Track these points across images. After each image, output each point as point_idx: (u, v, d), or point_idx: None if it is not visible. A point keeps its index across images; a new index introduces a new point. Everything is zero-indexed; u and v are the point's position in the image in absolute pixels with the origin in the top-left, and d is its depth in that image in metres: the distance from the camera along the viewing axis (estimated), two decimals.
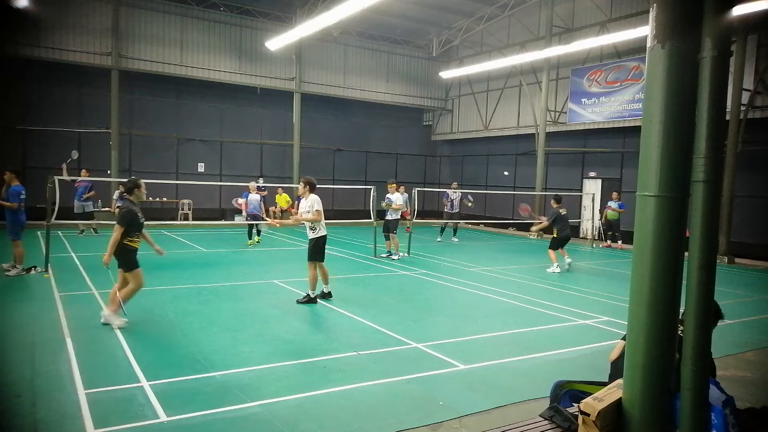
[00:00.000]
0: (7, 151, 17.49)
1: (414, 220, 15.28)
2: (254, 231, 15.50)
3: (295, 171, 22.06)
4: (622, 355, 3.73)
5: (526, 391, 5.03)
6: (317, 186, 8.37)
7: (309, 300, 8.17)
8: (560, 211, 12.20)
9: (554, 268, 12.07)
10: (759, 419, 3.77)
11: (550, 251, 12.26)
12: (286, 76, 22.00)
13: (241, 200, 15.78)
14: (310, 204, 8.12)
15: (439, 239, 17.81)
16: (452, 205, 17.50)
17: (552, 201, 12.72)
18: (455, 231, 18.33)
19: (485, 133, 24.15)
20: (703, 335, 3.12)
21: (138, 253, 6.78)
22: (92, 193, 16.09)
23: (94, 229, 16.16)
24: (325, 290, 8.49)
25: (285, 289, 9.26)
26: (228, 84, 21.14)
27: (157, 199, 19.82)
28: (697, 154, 3.12)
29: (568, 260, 12.42)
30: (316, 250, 8.25)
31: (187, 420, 4.21)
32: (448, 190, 17.99)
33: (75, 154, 17.57)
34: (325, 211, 8.19)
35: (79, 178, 15.39)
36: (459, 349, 6.22)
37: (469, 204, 18.08)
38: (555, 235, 12.24)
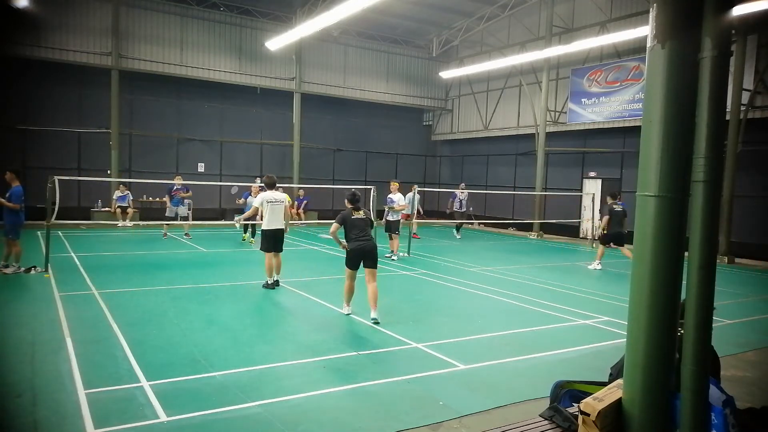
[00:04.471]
0: (7, 151, 17.50)
1: (414, 221, 15.30)
2: (249, 229, 15.64)
3: (295, 171, 22.05)
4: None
5: (526, 391, 5.03)
6: (273, 183, 9.48)
7: (268, 285, 9.21)
8: (614, 207, 12.70)
9: (595, 265, 12.73)
10: (759, 419, 3.77)
11: (600, 246, 12.97)
12: (286, 76, 22.01)
13: (241, 200, 15.92)
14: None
15: (458, 236, 18.67)
16: (461, 204, 18.48)
17: (608, 197, 13.23)
18: (458, 228, 19.18)
19: (485, 133, 24.15)
20: (703, 335, 3.12)
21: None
22: (188, 193, 15.82)
23: (186, 233, 15.75)
24: (270, 281, 9.26)
25: (285, 288, 9.26)
26: (228, 84, 21.14)
27: (157, 199, 19.82)
28: (697, 154, 3.12)
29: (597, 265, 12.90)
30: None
31: (187, 420, 4.21)
32: (455, 190, 18.83)
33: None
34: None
35: (176, 185, 15.17)
36: (459, 349, 6.22)
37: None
38: (605, 231, 12.82)
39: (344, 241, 7.40)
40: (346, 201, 7.61)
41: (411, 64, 25.30)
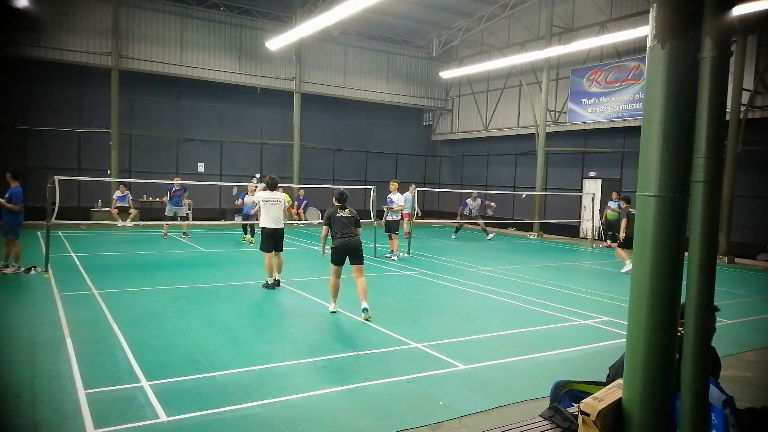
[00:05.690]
0: (7, 151, 17.49)
1: (414, 221, 15.29)
2: (248, 230, 15.66)
3: (295, 171, 22.05)
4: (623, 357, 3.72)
5: (526, 391, 5.03)
6: (272, 185, 9.39)
7: (268, 285, 9.27)
8: (631, 210, 12.35)
9: (628, 267, 12.24)
10: (759, 419, 3.76)
11: (623, 251, 12.42)
12: (286, 76, 22.01)
13: (239, 201, 15.91)
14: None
15: (453, 237, 18.91)
16: (470, 212, 18.44)
17: (622, 201, 13.05)
18: (485, 231, 18.95)
19: (485, 133, 24.16)
20: (703, 335, 3.12)
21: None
22: (186, 192, 16.08)
23: (184, 232, 16.20)
24: (270, 281, 9.32)
25: (285, 289, 9.27)
26: (228, 84, 21.14)
27: (157, 199, 19.83)
28: (697, 154, 3.12)
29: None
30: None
31: (187, 420, 4.21)
32: (468, 199, 18.63)
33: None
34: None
35: (175, 185, 15.48)
36: (459, 349, 6.22)
37: (490, 209, 18.95)
38: (627, 235, 12.31)
39: (327, 248, 7.72)
40: (333, 199, 7.81)
41: (411, 64, 25.30)
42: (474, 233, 19.25)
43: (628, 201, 12.73)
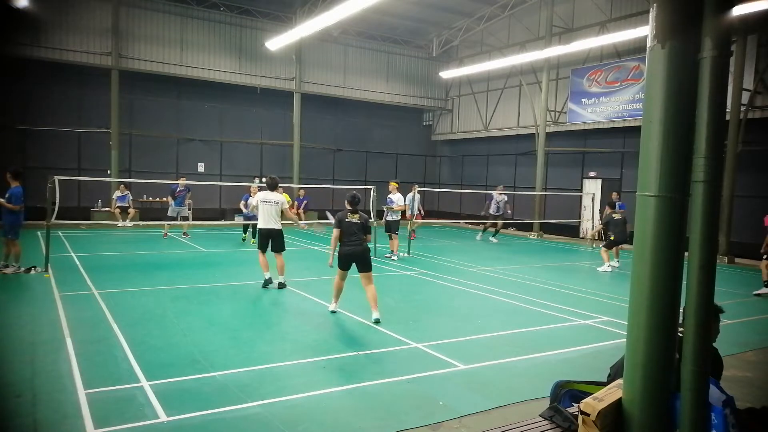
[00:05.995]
0: (7, 151, 17.49)
1: (415, 221, 15.28)
2: (249, 230, 15.63)
3: (295, 171, 22.05)
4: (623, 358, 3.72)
5: (526, 391, 5.03)
6: (272, 185, 9.36)
7: (267, 281, 9.36)
8: (613, 216, 12.86)
9: (605, 267, 12.69)
10: (759, 419, 3.76)
11: (603, 250, 12.97)
12: (286, 76, 22.01)
13: (242, 203, 15.86)
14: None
15: (479, 237, 18.40)
16: (497, 208, 17.61)
17: (606, 206, 13.56)
18: (496, 232, 18.41)
19: (485, 133, 24.16)
20: (703, 335, 3.12)
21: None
22: (189, 193, 16.14)
23: (184, 232, 16.26)
24: (267, 276, 9.38)
25: (285, 288, 9.26)
26: (228, 84, 21.14)
27: (157, 199, 19.84)
28: (697, 154, 3.12)
29: (617, 263, 13.09)
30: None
31: (187, 420, 4.21)
32: (493, 192, 17.81)
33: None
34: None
35: (180, 186, 15.54)
36: (459, 349, 6.22)
37: (510, 210, 18.39)
38: (611, 237, 12.87)
39: (334, 254, 7.61)
40: (345, 202, 7.63)
41: (411, 64, 25.30)
42: (470, 232, 19.19)
43: (612, 206, 13.19)
